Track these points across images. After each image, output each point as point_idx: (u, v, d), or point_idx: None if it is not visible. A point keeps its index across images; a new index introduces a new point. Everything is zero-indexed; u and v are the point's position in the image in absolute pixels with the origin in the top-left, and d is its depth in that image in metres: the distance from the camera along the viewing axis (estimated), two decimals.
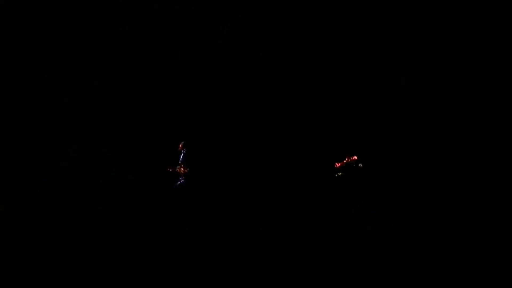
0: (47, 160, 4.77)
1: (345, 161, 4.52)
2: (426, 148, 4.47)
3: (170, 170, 4.88)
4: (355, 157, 4.53)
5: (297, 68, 4.83)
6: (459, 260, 4.04)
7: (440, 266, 4.05)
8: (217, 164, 4.85)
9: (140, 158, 5.03)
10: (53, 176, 4.74)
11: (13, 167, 4.56)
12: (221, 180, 4.76)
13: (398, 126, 4.59)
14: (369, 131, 4.68)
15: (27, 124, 4.70)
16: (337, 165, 4.49)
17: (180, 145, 4.98)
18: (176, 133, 5.12)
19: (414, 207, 4.34)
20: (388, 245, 4.21)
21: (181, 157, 5.05)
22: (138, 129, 5.05)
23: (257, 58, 4.82)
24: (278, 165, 4.75)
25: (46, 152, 4.79)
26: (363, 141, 4.66)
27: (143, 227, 4.37)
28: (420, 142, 4.49)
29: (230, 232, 4.37)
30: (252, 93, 4.88)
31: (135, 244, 4.25)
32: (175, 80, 5.02)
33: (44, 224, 4.31)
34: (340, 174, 4.53)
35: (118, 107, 5.11)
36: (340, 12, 4.68)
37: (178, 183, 4.98)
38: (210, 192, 4.68)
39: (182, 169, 5.07)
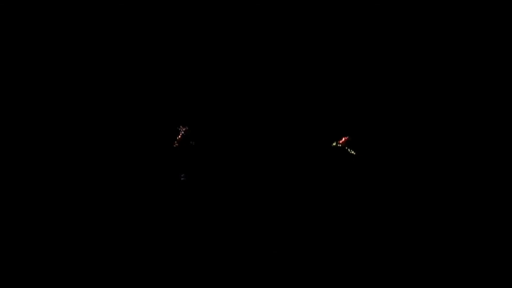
0: (47, 159, 4.75)
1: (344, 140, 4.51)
2: (427, 148, 4.48)
3: (170, 169, 4.82)
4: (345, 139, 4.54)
5: (297, 67, 4.82)
6: (459, 260, 4.05)
7: (440, 266, 4.05)
8: (216, 162, 4.82)
9: (140, 157, 4.98)
10: (53, 175, 4.72)
11: (12, 167, 4.54)
12: (220, 178, 4.73)
13: (398, 126, 4.59)
14: (369, 130, 4.68)
15: (27, 124, 4.68)
16: (341, 141, 4.49)
17: (177, 139, 4.79)
18: (175, 133, 5.04)
19: (414, 207, 4.34)
20: (388, 245, 4.22)
21: (180, 153, 4.95)
22: (138, 129, 5.01)
23: (257, 58, 4.81)
24: (277, 165, 4.74)
25: (46, 151, 4.76)
26: (363, 141, 4.66)
27: (143, 227, 4.35)
28: (420, 142, 4.49)
29: (230, 232, 4.36)
30: (251, 92, 4.87)
31: (135, 244, 4.25)
32: (174, 79, 4.99)
33: (44, 224, 4.30)
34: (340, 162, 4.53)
35: (118, 106, 5.07)
36: (340, 12, 4.67)
37: (178, 182, 4.95)
38: (209, 191, 4.66)
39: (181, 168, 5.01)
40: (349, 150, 4.54)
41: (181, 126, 4.80)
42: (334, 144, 4.58)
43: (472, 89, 4.48)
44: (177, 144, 4.84)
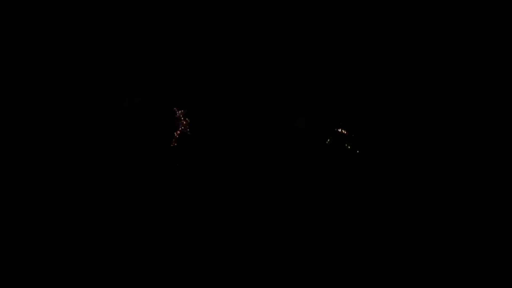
0: (44, 157, 4.73)
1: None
2: (427, 147, 4.48)
3: (168, 167, 4.71)
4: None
5: (297, 67, 4.82)
6: (460, 260, 4.05)
7: (440, 266, 4.05)
8: (215, 159, 4.79)
9: (137, 155, 4.91)
10: (49, 173, 4.70)
11: (12, 167, 4.54)
12: (218, 177, 4.71)
13: (398, 125, 4.59)
14: (369, 129, 4.67)
15: (26, 124, 4.68)
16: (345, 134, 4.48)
17: (176, 134, 4.61)
18: (174, 127, 4.90)
19: (414, 207, 4.34)
20: (388, 245, 4.22)
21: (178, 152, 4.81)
22: (137, 129, 4.99)
23: (257, 58, 4.81)
24: (277, 165, 4.74)
25: (43, 149, 4.75)
26: (363, 139, 4.66)
27: (143, 226, 4.35)
28: (421, 141, 4.50)
29: (229, 232, 4.36)
30: (251, 93, 4.87)
31: (135, 244, 4.25)
32: (174, 80, 4.98)
33: (43, 223, 4.29)
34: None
35: (118, 106, 5.06)
36: (341, 12, 4.68)
37: (177, 181, 4.88)
38: (209, 190, 4.65)
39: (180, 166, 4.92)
40: (347, 146, 4.54)
41: (181, 119, 4.67)
42: (329, 141, 4.58)
43: (472, 87, 4.49)
44: (175, 144, 4.78)
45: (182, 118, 4.68)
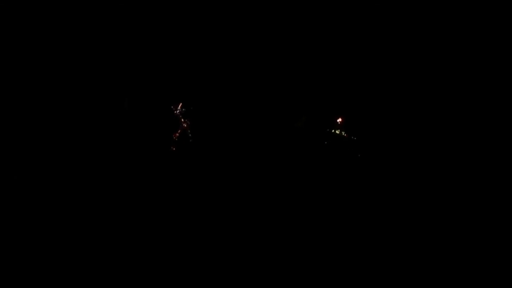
0: (45, 157, 4.73)
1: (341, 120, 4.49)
2: (427, 146, 4.48)
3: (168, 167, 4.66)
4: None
5: (297, 68, 4.82)
6: (460, 260, 4.05)
7: (440, 266, 4.05)
8: (213, 161, 4.79)
9: (137, 155, 4.90)
10: (51, 174, 4.70)
11: (12, 167, 4.54)
12: (218, 177, 4.71)
13: (398, 124, 4.59)
14: (369, 128, 4.67)
15: (27, 124, 4.68)
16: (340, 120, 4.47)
17: (175, 136, 4.57)
18: (175, 127, 4.85)
19: (414, 207, 4.34)
20: (388, 245, 4.22)
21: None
22: (137, 129, 4.97)
23: (258, 59, 4.81)
24: (277, 165, 4.74)
25: (45, 150, 4.75)
26: (363, 137, 4.66)
27: (142, 226, 4.35)
28: (421, 140, 4.50)
29: (229, 231, 4.36)
30: (252, 94, 4.86)
31: (134, 243, 4.24)
32: (175, 81, 4.97)
33: (44, 223, 4.30)
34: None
35: (118, 106, 5.05)
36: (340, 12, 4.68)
37: (177, 180, 4.84)
38: (209, 190, 4.64)
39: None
40: (346, 146, 4.54)
41: (181, 120, 4.64)
42: (328, 141, 4.58)
43: (471, 87, 4.49)
44: (174, 148, 4.77)
45: (183, 120, 4.67)
